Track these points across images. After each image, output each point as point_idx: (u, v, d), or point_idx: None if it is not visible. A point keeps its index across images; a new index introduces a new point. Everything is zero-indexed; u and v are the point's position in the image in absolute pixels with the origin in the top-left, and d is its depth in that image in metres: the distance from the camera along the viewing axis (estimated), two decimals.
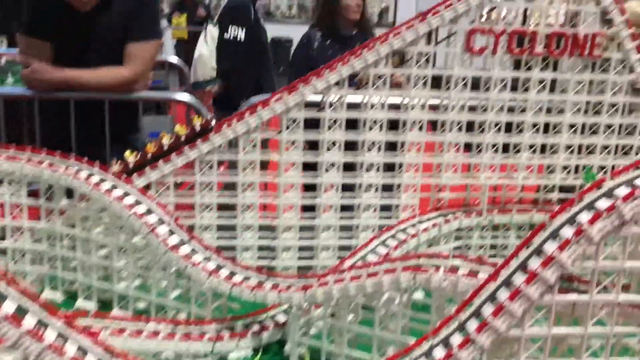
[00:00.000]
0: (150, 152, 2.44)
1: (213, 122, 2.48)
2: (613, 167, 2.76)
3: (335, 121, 2.57)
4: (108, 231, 2.30)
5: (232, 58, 5.38)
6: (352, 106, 2.61)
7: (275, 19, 19.16)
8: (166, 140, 2.46)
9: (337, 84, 2.51)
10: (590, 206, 1.67)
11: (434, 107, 2.67)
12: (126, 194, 2.26)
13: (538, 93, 2.66)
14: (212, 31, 5.48)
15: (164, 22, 11.33)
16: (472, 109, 2.69)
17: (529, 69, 2.63)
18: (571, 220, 1.68)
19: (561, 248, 1.61)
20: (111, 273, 2.33)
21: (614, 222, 1.60)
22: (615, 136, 2.74)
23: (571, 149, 2.76)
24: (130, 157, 2.45)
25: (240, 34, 5.31)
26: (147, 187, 2.45)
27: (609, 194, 1.67)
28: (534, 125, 2.71)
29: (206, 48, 5.46)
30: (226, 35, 5.25)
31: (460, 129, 2.68)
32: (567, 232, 1.64)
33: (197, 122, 2.46)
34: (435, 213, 2.74)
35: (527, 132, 2.72)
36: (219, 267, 2.20)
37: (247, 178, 2.56)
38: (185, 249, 2.20)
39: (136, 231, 2.21)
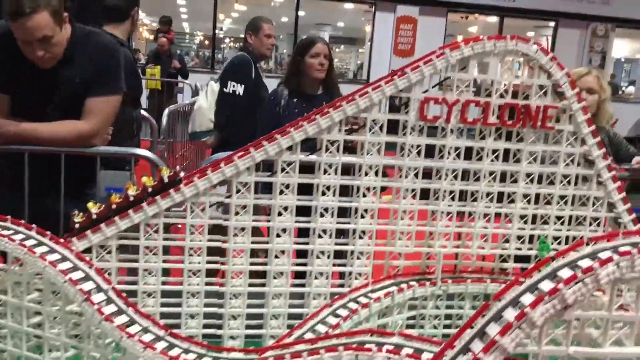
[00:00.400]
0: (114, 202, 2.35)
1: (181, 174, 2.40)
2: (567, 238, 2.75)
3: (287, 186, 2.52)
4: (41, 298, 2.18)
5: (231, 110, 5.40)
6: (304, 170, 2.58)
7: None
8: (132, 192, 2.37)
9: (289, 148, 2.48)
10: (533, 288, 1.63)
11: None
12: (63, 259, 2.16)
13: (492, 162, 2.65)
14: (213, 85, 5.52)
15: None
16: (427, 176, 2.67)
17: (483, 138, 2.63)
18: (514, 302, 1.63)
19: (503, 332, 1.56)
20: (43, 342, 2.20)
21: (556, 306, 1.55)
22: (569, 207, 2.74)
23: (525, 218, 2.74)
24: (93, 207, 2.36)
25: (239, 89, 5.32)
26: (88, 251, 2.35)
27: (552, 275, 1.63)
28: (488, 194, 2.70)
29: (205, 101, 5.50)
30: (225, 90, 5.28)
31: (414, 196, 2.65)
32: (510, 314, 1.59)
33: (165, 174, 2.38)
34: (388, 281, 2.68)
35: (481, 201, 2.70)
36: (156, 339, 2.09)
37: (194, 242, 2.48)
38: (121, 319, 2.09)
39: (71, 299, 2.10)
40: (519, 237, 2.78)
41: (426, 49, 2.80)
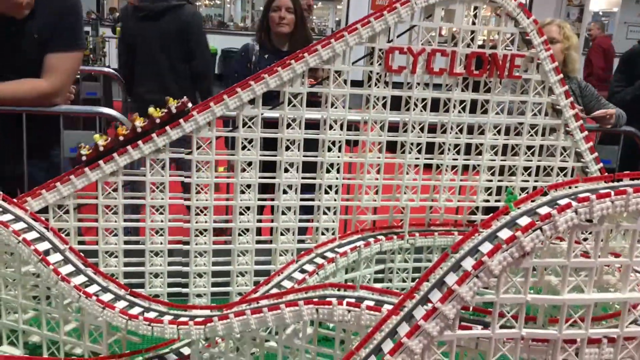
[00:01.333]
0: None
1: (189, 105, 2.31)
2: (535, 189, 2.74)
3: (250, 141, 2.45)
4: None
5: None
6: (269, 125, 2.52)
7: (229, 30, 19.05)
8: (102, 142, 2.29)
9: (251, 102, 2.41)
10: (492, 237, 1.61)
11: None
12: (16, 219, 2.10)
13: (459, 114, 2.61)
14: None
15: (109, 32, 11.02)
16: (394, 129, 2.63)
17: (449, 89, 2.58)
18: (473, 252, 1.61)
19: (461, 281, 1.54)
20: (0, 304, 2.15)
21: (513, 254, 1.53)
22: (536, 157, 2.71)
23: (493, 170, 2.72)
24: (100, 140, 2.28)
25: None
26: (44, 211, 2.28)
27: (511, 223, 1.61)
28: (456, 146, 2.66)
29: None
30: None
31: (381, 149, 2.61)
32: (468, 264, 1.57)
33: (173, 104, 2.29)
34: (355, 236, 2.65)
35: (449, 153, 2.66)
36: (116, 299, 2.05)
37: (157, 201, 2.42)
38: (79, 279, 2.04)
39: (26, 259, 2.04)
40: (486, 189, 2.76)
41: None
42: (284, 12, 3.97)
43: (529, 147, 2.71)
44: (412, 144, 2.61)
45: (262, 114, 2.42)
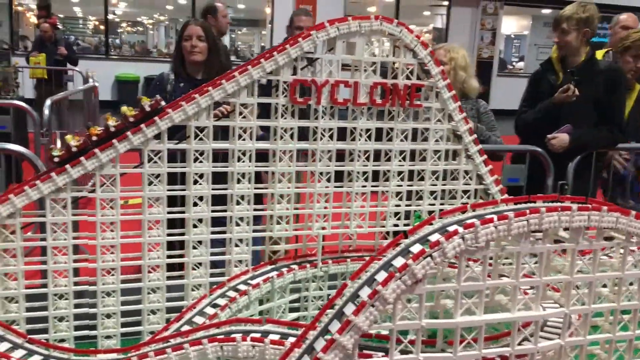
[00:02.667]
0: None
1: (162, 103, 2.33)
2: (441, 211, 2.83)
3: (157, 176, 2.43)
4: None
5: None
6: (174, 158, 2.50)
7: (152, 57, 18.77)
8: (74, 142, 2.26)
9: (157, 137, 2.38)
10: (387, 265, 1.66)
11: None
12: None
13: (365, 142, 2.68)
14: None
15: (22, 61, 10.63)
16: (303, 158, 2.67)
17: (355, 118, 2.65)
18: (370, 281, 1.65)
19: (357, 311, 1.57)
20: None
21: (406, 282, 1.58)
22: (441, 181, 2.82)
23: (400, 195, 2.80)
24: (72, 140, 2.24)
25: None
26: None
27: (405, 251, 1.66)
28: (364, 173, 2.73)
29: None
30: None
31: (290, 179, 2.64)
32: (365, 293, 1.61)
33: (147, 103, 2.30)
34: (269, 267, 2.66)
35: (358, 180, 2.73)
36: (13, 348, 1.97)
37: (59, 241, 2.34)
38: None
39: None
40: (396, 214, 2.84)
41: None
42: (195, 40, 3.97)
43: (433, 172, 2.81)
44: (320, 173, 2.66)
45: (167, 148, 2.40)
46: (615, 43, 4.72)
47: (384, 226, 2.83)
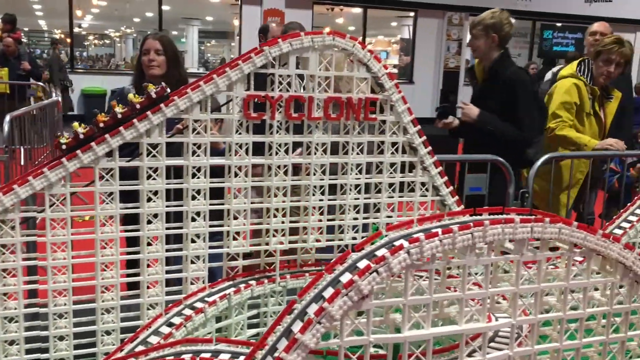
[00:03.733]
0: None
1: (168, 90, 2.39)
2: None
3: (110, 194, 2.40)
4: None
5: None
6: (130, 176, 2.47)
7: (119, 70, 18.59)
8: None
9: (108, 155, 2.36)
10: (335, 282, 1.66)
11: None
12: None
13: (321, 156, 2.69)
14: None
15: None
16: (259, 173, 2.66)
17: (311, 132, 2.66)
18: (318, 298, 1.65)
19: (303, 329, 1.57)
20: None
21: (353, 298, 1.59)
22: (398, 193, 2.84)
23: (358, 208, 2.81)
24: (79, 128, 2.27)
25: None
26: None
27: (352, 267, 1.67)
28: (321, 187, 2.73)
29: None
30: None
31: (246, 194, 2.63)
32: (312, 310, 1.61)
33: (152, 90, 2.35)
34: (226, 283, 2.64)
35: (315, 194, 2.73)
36: None
37: (8, 263, 2.29)
38: None
39: None
40: (354, 227, 2.84)
41: None
42: (153, 54, 3.94)
43: (390, 184, 2.83)
44: (277, 187, 2.66)
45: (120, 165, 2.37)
46: (590, 52, 4.84)
47: (342, 239, 2.83)
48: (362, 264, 1.63)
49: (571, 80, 4.47)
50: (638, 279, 1.90)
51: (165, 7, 15.77)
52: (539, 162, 4.26)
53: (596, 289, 1.99)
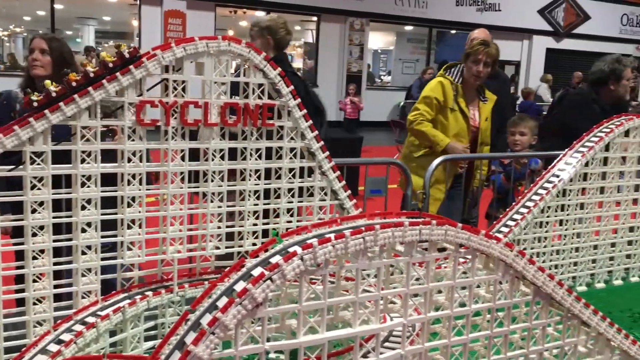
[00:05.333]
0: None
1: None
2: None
3: None
4: None
5: None
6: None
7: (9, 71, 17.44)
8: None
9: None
10: (229, 291, 1.64)
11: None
12: None
13: (219, 162, 2.66)
14: None
15: None
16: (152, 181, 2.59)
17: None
18: (212, 308, 1.62)
19: (196, 340, 1.54)
20: None
21: (247, 306, 1.58)
22: (297, 198, 2.86)
23: (257, 214, 2.81)
24: (51, 86, 2.22)
25: None
26: None
27: (246, 275, 1.66)
28: (219, 193, 2.70)
29: None
30: None
31: (140, 203, 2.55)
32: (205, 321, 1.58)
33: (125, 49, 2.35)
34: (121, 295, 2.54)
35: (213, 201, 2.69)
36: None
37: None
38: None
39: None
40: (254, 233, 2.83)
41: None
42: (37, 54, 3.74)
43: (289, 190, 2.85)
44: (173, 195, 2.60)
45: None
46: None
47: (242, 246, 2.81)
48: (256, 272, 1.63)
49: (437, 79, 4.79)
50: (518, 275, 2.03)
51: (58, 6, 15.03)
52: (434, 164, 4.45)
53: (478, 287, 2.11)
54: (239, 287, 1.62)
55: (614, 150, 3.71)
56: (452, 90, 4.70)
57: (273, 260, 1.66)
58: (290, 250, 1.67)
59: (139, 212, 2.55)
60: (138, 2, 15.22)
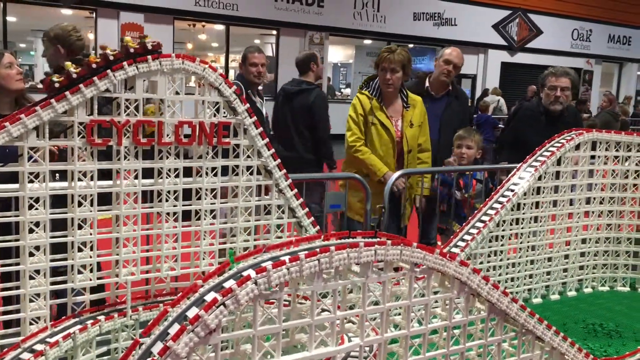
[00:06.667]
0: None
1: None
2: (255, 247, 2.85)
3: None
4: None
5: None
6: None
7: None
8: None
9: None
10: (181, 317, 1.60)
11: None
12: None
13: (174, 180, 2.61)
14: None
15: None
16: (108, 201, 2.52)
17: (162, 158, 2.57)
18: (163, 335, 1.58)
19: None
20: None
21: (199, 333, 1.54)
22: (254, 217, 2.83)
23: (213, 233, 2.76)
24: (71, 67, 2.27)
25: None
26: None
27: (199, 301, 1.62)
28: (174, 213, 2.65)
29: None
30: None
31: (91, 225, 2.48)
32: (156, 349, 1.54)
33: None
34: (72, 320, 2.46)
35: (169, 221, 2.64)
36: None
37: None
38: None
39: None
40: (210, 253, 2.79)
41: None
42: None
43: (246, 208, 2.81)
44: (126, 216, 2.54)
45: None
46: (437, 74, 5.14)
47: (198, 266, 2.76)
48: (209, 297, 1.59)
49: (356, 96, 4.75)
50: (473, 292, 2.05)
51: (10, 18, 14.64)
52: (393, 177, 4.44)
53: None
54: (191, 313, 1.58)
55: (565, 164, 3.81)
56: (369, 104, 4.65)
57: (226, 284, 1.63)
58: (244, 274, 1.64)
59: (91, 234, 2.48)
60: (94, 15, 14.97)
